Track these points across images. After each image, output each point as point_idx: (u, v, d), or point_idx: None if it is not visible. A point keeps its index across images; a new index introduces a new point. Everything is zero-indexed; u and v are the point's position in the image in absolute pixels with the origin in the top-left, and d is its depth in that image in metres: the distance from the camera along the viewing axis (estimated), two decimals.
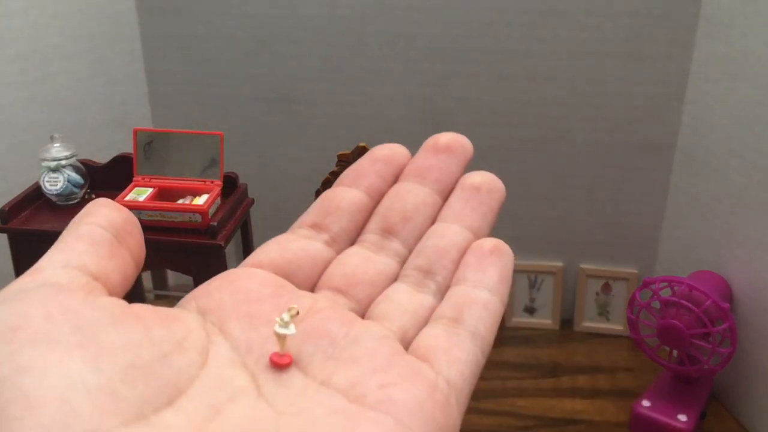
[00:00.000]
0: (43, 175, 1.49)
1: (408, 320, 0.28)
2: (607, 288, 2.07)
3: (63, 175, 1.49)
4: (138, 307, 0.25)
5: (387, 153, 0.33)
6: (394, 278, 0.31)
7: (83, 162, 1.55)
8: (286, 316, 0.26)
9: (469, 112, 1.95)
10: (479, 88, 1.93)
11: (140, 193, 1.45)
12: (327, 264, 0.31)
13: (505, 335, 2.10)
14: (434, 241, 0.31)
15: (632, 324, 1.67)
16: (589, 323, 2.10)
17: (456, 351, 0.27)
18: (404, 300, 0.29)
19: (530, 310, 2.13)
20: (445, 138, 0.34)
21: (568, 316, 2.12)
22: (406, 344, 0.28)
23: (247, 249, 1.61)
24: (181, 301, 0.28)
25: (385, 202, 0.32)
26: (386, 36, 1.91)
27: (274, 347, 0.26)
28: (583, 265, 2.07)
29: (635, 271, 2.04)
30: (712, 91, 1.76)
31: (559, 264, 2.07)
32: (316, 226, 0.32)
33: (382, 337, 0.27)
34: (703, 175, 1.82)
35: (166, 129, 1.52)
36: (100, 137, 1.84)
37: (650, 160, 1.93)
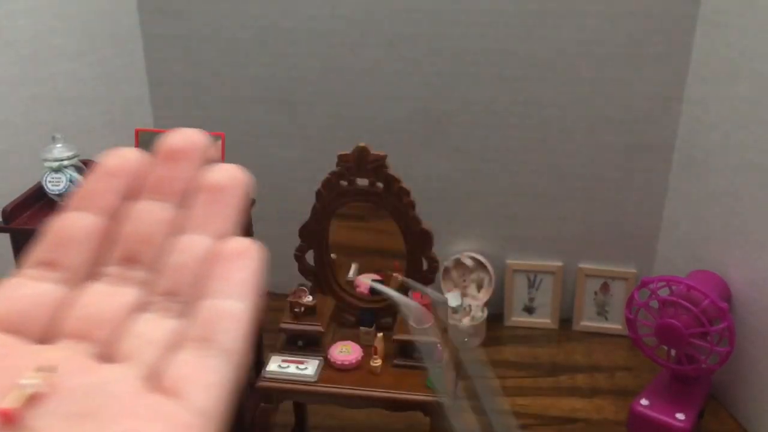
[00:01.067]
0: (46, 175, 1.50)
1: (154, 352, 0.27)
2: (605, 287, 2.08)
3: (65, 175, 1.50)
4: None
5: (117, 164, 0.30)
6: (138, 307, 0.28)
7: (85, 162, 1.56)
8: (28, 381, 0.25)
9: (469, 112, 1.96)
10: (479, 89, 1.93)
11: None
12: (60, 305, 0.28)
13: (505, 334, 2.11)
14: (175, 259, 0.29)
15: (631, 323, 1.68)
16: (588, 322, 2.11)
17: (206, 376, 0.26)
18: (149, 331, 0.27)
19: (529, 310, 2.13)
20: (173, 141, 0.31)
21: (566, 315, 2.13)
22: (157, 375, 0.26)
23: None
24: None
25: (124, 227, 0.29)
26: (386, 37, 1.92)
27: None
28: (582, 265, 2.07)
29: (634, 271, 2.05)
30: (711, 91, 1.77)
31: (558, 264, 2.08)
32: (48, 264, 0.29)
33: (122, 381, 0.25)
34: (702, 176, 1.83)
35: (168, 129, 1.52)
36: (101, 137, 1.85)
37: (649, 160, 1.94)
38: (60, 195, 1.50)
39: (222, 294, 0.28)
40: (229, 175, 0.31)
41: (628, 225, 2.02)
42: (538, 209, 2.04)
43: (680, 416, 1.61)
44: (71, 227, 0.29)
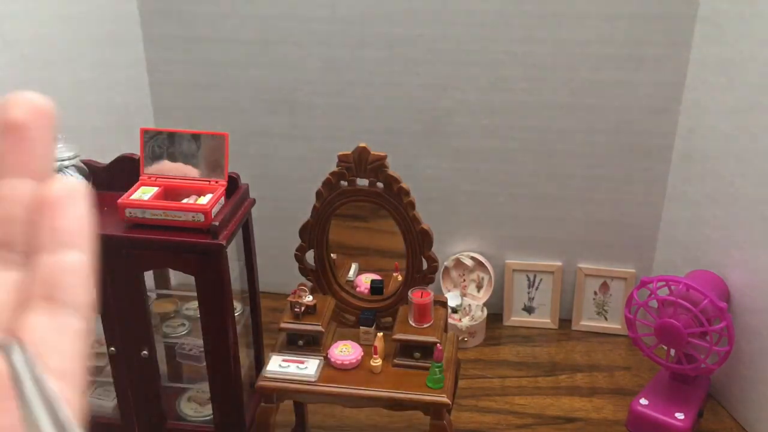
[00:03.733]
0: None
1: (4, 315, 0.27)
2: (605, 287, 2.09)
3: (65, 175, 1.51)
4: None
5: None
6: None
7: (86, 162, 1.56)
8: None
9: (469, 112, 1.97)
10: (479, 89, 1.94)
11: (146, 192, 1.46)
12: None
13: (504, 334, 2.11)
14: (1, 209, 0.28)
15: (630, 323, 1.68)
16: (588, 322, 2.12)
17: (58, 337, 0.26)
18: None
19: (529, 310, 2.14)
20: None
21: (566, 315, 2.13)
22: (8, 335, 0.26)
23: (248, 249, 1.63)
24: None
25: None
26: (386, 38, 1.92)
27: None
28: (582, 265, 2.08)
29: (633, 271, 2.05)
30: (709, 93, 1.77)
31: (558, 263, 2.09)
32: None
33: None
34: (700, 176, 1.83)
35: (173, 129, 1.53)
36: (102, 138, 1.85)
37: (648, 161, 1.94)
38: None
39: (57, 246, 0.27)
40: (32, 109, 0.29)
41: (627, 225, 2.02)
42: (538, 209, 2.05)
43: (679, 415, 1.61)
44: None
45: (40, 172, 0.28)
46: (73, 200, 0.28)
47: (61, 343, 0.26)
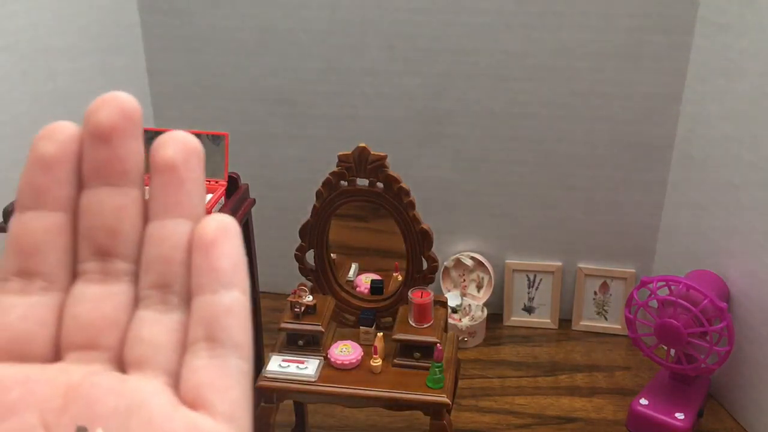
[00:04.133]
0: None
1: (166, 355, 0.27)
2: (605, 287, 2.09)
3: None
4: None
5: (53, 151, 0.27)
6: (133, 302, 0.28)
7: None
8: None
9: (469, 112, 1.96)
10: (478, 89, 1.94)
11: (146, 192, 1.45)
12: (58, 316, 0.27)
13: (504, 334, 2.11)
14: (156, 251, 0.28)
15: (630, 323, 1.68)
16: (587, 322, 2.11)
17: (223, 380, 0.26)
18: (154, 332, 0.27)
19: (529, 310, 2.14)
20: (105, 115, 0.27)
21: (566, 315, 2.13)
22: (175, 380, 0.27)
23: (248, 249, 1.63)
24: None
25: (84, 220, 0.28)
26: (386, 37, 1.92)
27: None
28: (581, 265, 2.08)
29: (633, 271, 2.05)
30: (710, 91, 1.77)
31: (558, 263, 2.09)
32: (24, 273, 0.27)
33: (151, 397, 0.26)
34: (701, 176, 1.83)
35: (173, 129, 1.53)
36: None
37: (648, 160, 1.94)
38: None
39: (217, 286, 0.27)
40: (183, 148, 0.28)
41: (627, 225, 2.02)
42: (538, 209, 2.04)
43: (679, 416, 1.61)
44: (35, 229, 0.27)
45: (194, 212, 0.28)
46: (228, 239, 0.28)
47: (229, 386, 0.26)
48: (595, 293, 2.10)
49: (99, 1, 1.87)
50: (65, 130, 0.28)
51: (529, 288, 2.12)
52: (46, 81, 1.75)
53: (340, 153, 1.46)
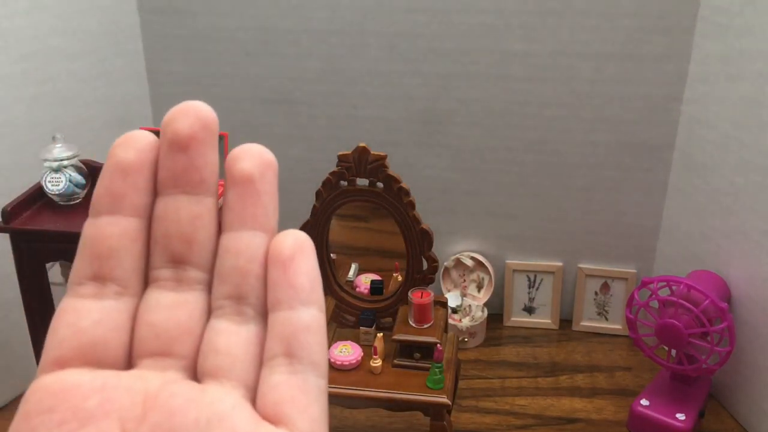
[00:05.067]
0: (45, 175, 1.50)
1: (243, 367, 0.27)
2: (605, 288, 2.08)
3: (65, 175, 1.50)
4: None
5: (132, 158, 0.28)
6: (207, 312, 0.28)
7: (85, 162, 1.56)
8: None
9: (469, 112, 1.96)
10: (479, 89, 1.93)
11: None
12: (131, 323, 0.28)
13: (505, 335, 2.11)
14: (232, 262, 0.28)
15: (631, 323, 1.68)
16: (588, 323, 2.11)
17: (302, 397, 0.26)
18: (230, 344, 0.27)
19: (529, 310, 2.13)
20: (179, 126, 0.28)
21: (567, 315, 2.13)
22: (252, 392, 0.27)
23: None
24: None
25: (159, 227, 0.28)
26: (386, 37, 1.92)
27: None
28: (582, 265, 2.07)
29: (634, 271, 2.05)
30: (711, 91, 1.77)
31: (558, 264, 2.08)
32: (99, 278, 0.27)
33: (231, 410, 0.26)
34: (702, 175, 1.83)
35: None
36: (102, 137, 1.85)
37: (649, 160, 1.94)
38: (59, 195, 1.50)
39: (295, 303, 0.27)
40: (260, 161, 0.28)
41: (628, 225, 2.02)
42: (538, 209, 2.04)
43: (680, 416, 1.61)
44: (110, 234, 0.27)
45: (268, 225, 0.28)
46: (305, 256, 0.28)
47: (309, 404, 0.26)
48: (596, 293, 2.09)
49: (98, 1, 1.86)
50: (143, 138, 0.28)
51: (529, 288, 2.12)
52: (44, 82, 1.75)
53: (340, 153, 1.46)
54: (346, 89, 1.99)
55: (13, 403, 1.79)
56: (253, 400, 0.27)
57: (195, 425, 0.25)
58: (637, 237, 2.02)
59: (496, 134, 1.97)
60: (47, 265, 1.49)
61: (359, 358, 1.46)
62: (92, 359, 0.27)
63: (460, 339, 1.95)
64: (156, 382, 0.26)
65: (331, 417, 1.78)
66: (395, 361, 1.46)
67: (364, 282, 1.60)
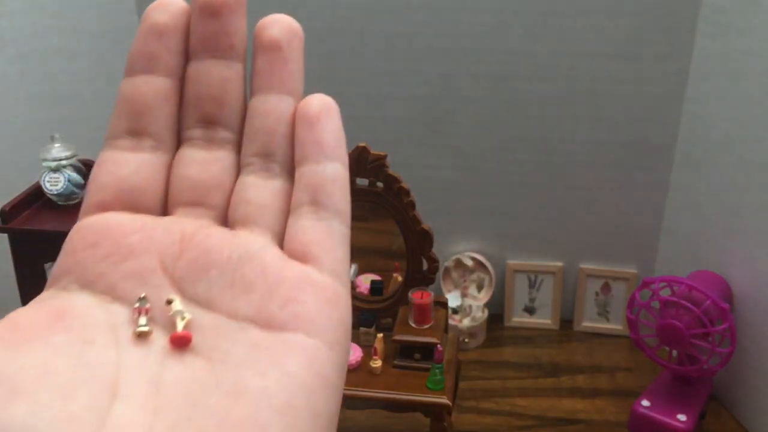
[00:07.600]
0: (44, 175, 1.50)
1: (271, 216, 0.28)
2: (606, 288, 2.08)
3: (63, 175, 1.50)
4: (21, 317, 0.26)
5: (166, 20, 0.29)
6: (237, 169, 0.30)
7: (84, 162, 1.55)
8: (176, 304, 0.26)
9: (469, 112, 1.96)
10: (479, 88, 1.93)
11: None
12: (166, 175, 0.29)
13: (505, 335, 2.10)
14: (260, 122, 0.30)
15: (632, 324, 1.67)
16: (589, 323, 2.11)
17: (328, 239, 0.28)
18: (259, 195, 0.29)
19: (530, 310, 2.13)
20: None
21: (567, 316, 2.12)
22: (279, 239, 0.28)
23: None
24: (55, 277, 0.27)
25: (191, 89, 0.30)
26: (386, 36, 1.91)
27: (171, 294, 0.26)
28: (583, 265, 2.07)
29: (635, 271, 2.04)
30: (712, 90, 1.76)
31: (559, 264, 2.08)
32: (135, 132, 0.29)
33: (261, 249, 0.27)
34: (703, 175, 1.82)
35: None
36: (101, 137, 1.84)
37: (650, 159, 1.93)
38: (58, 195, 1.50)
39: (319, 157, 0.29)
40: (288, 29, 0.31)
41: (628, 225, 2.01)
42: (539, 209, 2.04)
43: (681, 417, 1.60)
44: (145, 92, 0.29)
45: (295, 90, 0.31)
46: (331, 115, 0.30)
47: (334, 246, 0.28)
48: (597, 294, 2.09)
49: (97, 1, 1.86)
50: (176, 3, 0.29)
51: (530, 288, 2.11)
52: (43, 81, 1.75)
53: None
54: (346, 89, 1.98)
55: None
56: (281, 245, 0.28)
57: (228, 262, 0.26)
58: (638, 237, 2.02)
59: (497, 134, 1.97)
60: (46, 266, 1.49)
61: (359, 359, 1.45)
62: (131, 204, 0.28)
63: (460, 339, 1.95)
64: (192, 225, 0.28)
65: None
66: (395, 362, 1.46)
67: (364, 282, 1.59)
